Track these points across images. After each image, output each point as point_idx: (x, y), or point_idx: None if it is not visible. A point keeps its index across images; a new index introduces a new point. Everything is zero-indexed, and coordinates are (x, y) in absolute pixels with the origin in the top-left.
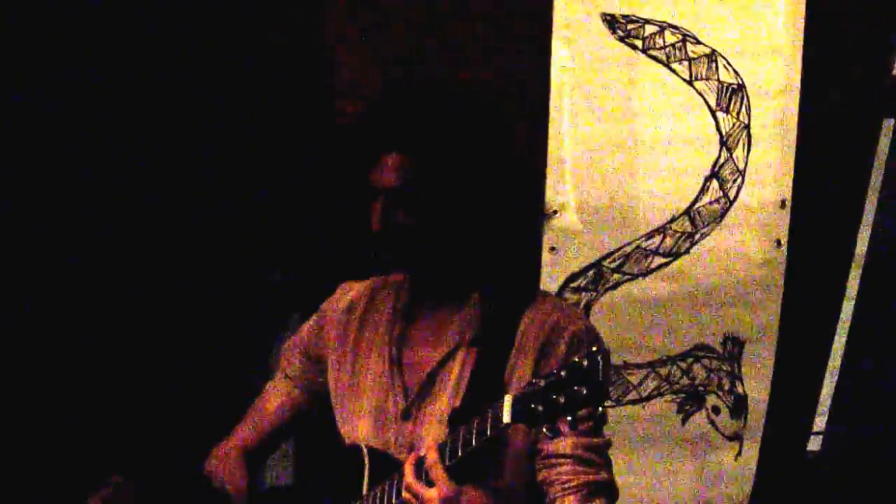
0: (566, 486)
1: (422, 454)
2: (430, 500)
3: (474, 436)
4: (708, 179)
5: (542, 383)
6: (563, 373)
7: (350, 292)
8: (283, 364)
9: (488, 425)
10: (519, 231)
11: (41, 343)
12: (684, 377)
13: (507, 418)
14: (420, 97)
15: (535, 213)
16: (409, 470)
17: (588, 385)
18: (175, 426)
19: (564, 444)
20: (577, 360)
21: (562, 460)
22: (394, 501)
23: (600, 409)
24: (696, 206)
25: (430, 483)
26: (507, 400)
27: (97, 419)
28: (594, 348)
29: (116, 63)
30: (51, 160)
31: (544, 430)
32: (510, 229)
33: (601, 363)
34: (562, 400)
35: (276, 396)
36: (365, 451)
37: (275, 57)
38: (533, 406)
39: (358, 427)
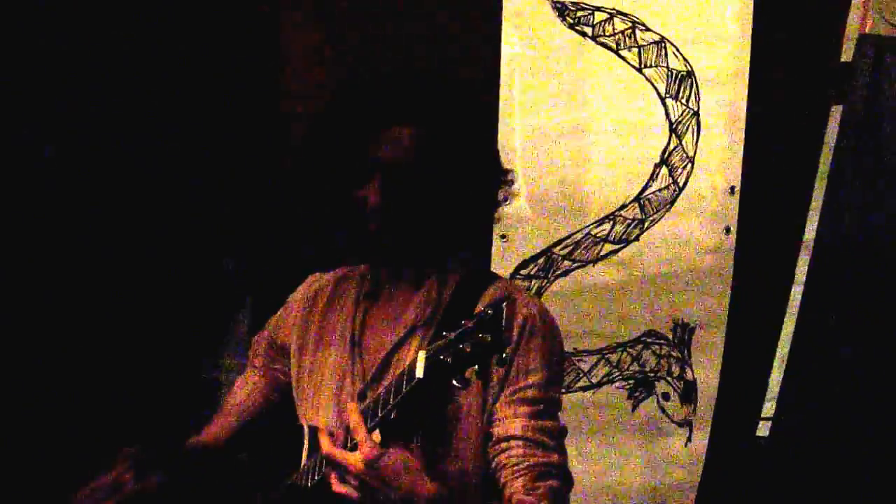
0: (516, 468)
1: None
2: (353, 464)
3: (392, 394)
4: (657, 166)
5: (452, 335)
6: (470, 324)
7: (316, 283)
8: (251, 356)
9: (404, 382)
10: (487, 214)
11: None
12: (634, 364)
13: (419, 373)
14: (426, 73)
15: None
16: (325, 440)
17: (492, 333)
18: (126, 412)
19: (514, 426)
20: (483, 310)
21: (512, 443)
22: (324, 470)
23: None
24: (646, 193)
25: (354, 448)
26: (421, 356)
27: (46, 405)
28: (500, 298)
29: (77, 57)
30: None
31: (454, 382)
32: (480, 212)
33: (504, 312)
34: (468, 349)
35: (243, 389)
36: (305, 428)
37: (223, 42)
38: (442, 357)
39: (318, 411)
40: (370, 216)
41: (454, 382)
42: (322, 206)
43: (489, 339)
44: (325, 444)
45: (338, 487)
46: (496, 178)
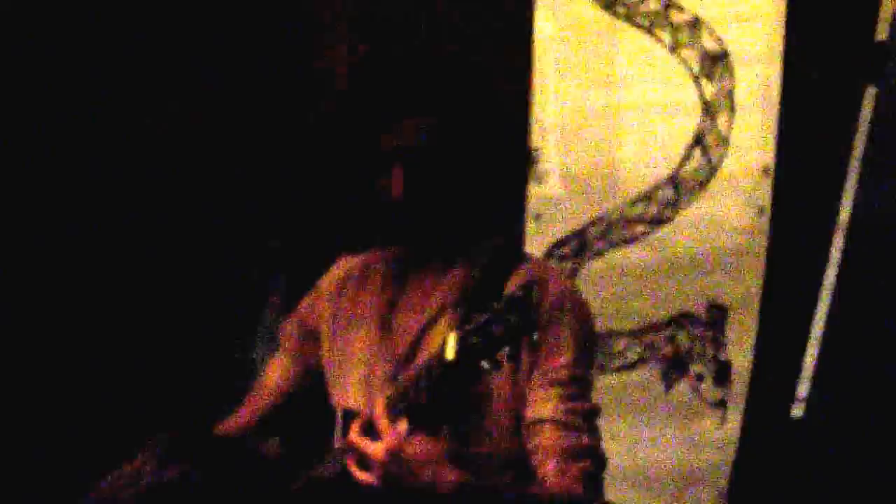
0: (547, 450)
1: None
2: (375, 454)
3: (422, 378)
4: (691, 147)
5: (482, 318)
6: (499, 305)
7: (345, 266)
8: (282, 339)
9: (434, 365)
10: (511, 195)
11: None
12: (668, 345)
13: (450, 355)
14: (442, 60)
15: (522, 178)
16: (353, 428)
17: (522, 314)
18: (160, 394)
19: (546, 409)
20: (513, 291)
21: (544, 426)
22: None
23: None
24: (680, 173)
25: (377, 438)
26: (451, 338)
27: (83, 390)
28: (529, 278)
29: (97, 50)
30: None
31: (484, 364)
32: (503, 194)
33: (535, 292)
34: (499, 331)
35: (274, 373)
36: (339, 411)
37: (257, 29)
38: (473, 339)
39: (349, 395)
40: (393, 204)
41: (485, 365)
42: (350, 191)
43: (519, 320)
44: (353, 431)
45: (359, 474)
46: (519, 160)
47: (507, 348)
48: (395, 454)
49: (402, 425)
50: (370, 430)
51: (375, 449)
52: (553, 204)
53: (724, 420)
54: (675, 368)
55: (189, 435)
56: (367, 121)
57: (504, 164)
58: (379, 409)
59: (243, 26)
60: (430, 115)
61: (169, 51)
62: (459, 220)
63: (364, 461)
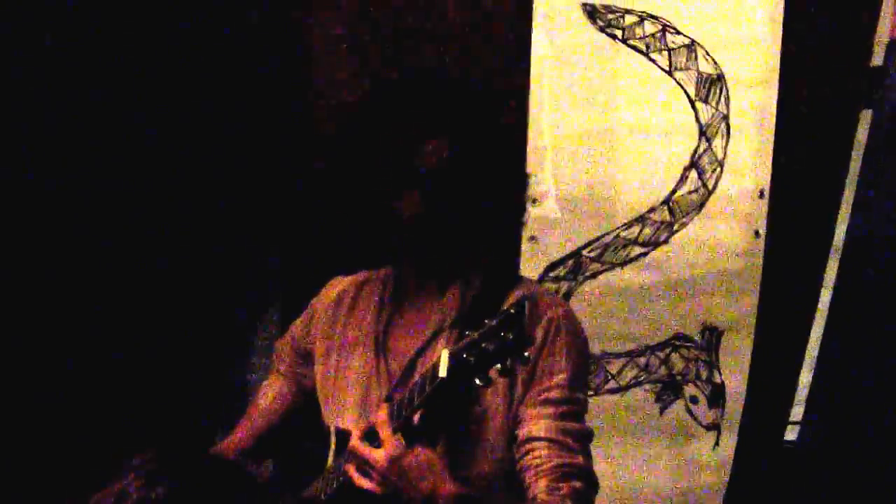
0: (539, 469)
1: (373, 421)
2: (377, 461)
3: (416, 394)
4: (687, 169)
5: (476, 335)
6: (493, 322)
7: (338, 286)
8: (276, 361)
9: (427, 382)
10: (514, 218)
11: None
12: (663, 367)
13: (443, 372)
14: (457, 83)
15: (521, 200)
16: (355, 435)
17: (515, 331)
18: (156, 413)
19: (539, 428)
20: (505, 308)
21: (536, 444)
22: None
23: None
24: (675, 195)
25: (380, 446)
26: (444, 355)
27: (73, 405)
28: (522, 297)
29: (98, 56)
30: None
31: (477, 381)
32: (509, 217)
33: (526, 310)
34: (491, 348)
35: (268, 394)
36: (332, 429)
37: (256, 46)
38: (466, 356)
39: (343, 415)
40: (408, 226)
41: (477, 381)
42: (351, 210)
43: (511, 337)
44: (355, 438)
45: (360, 481)
46: (521, 184)
47: (499, 365)
48: (396, 462)
49: (400, 440)
50: (372, 438)
51: (376, 456)
52: (548, 225)
53: (717, 442)
54: (669, 390)
55: (177, 452)
56: (370, 141)
57: (508, 186)
58: (382, 417)
59: (245, 40)
60: (441, 137)
61: (168, 60)
62: (466, 241)
63: (365, 468)
